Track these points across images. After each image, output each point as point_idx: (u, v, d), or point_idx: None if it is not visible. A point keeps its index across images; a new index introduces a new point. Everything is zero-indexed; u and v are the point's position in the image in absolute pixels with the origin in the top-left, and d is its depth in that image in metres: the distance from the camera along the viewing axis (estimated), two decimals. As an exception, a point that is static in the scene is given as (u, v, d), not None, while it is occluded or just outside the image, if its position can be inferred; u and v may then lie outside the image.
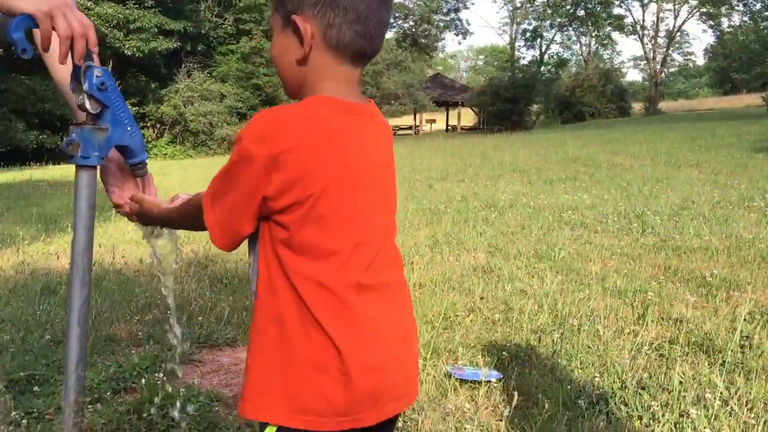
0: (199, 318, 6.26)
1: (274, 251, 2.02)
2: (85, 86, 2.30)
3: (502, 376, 4.85)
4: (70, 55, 2.27)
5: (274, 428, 2.03)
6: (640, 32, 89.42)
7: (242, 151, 1.92)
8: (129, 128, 2.43)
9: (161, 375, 4.88)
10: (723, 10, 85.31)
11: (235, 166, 1.96)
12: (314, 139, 1.94)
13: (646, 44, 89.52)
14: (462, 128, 73.53)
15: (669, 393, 4.43)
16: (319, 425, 2.00)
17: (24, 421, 4.23)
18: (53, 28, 2.22)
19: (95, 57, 2.34)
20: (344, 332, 1.99)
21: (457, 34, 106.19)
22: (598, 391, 4.52)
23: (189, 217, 2.32)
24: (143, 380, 4.80)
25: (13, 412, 4.31)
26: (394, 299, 2.18)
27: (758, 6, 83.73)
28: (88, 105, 2.32)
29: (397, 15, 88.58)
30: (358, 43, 2.05)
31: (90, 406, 4.45)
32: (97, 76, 2.30)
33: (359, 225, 2.06)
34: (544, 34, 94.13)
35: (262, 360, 2.07)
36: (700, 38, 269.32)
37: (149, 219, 2.58)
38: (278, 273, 2.02)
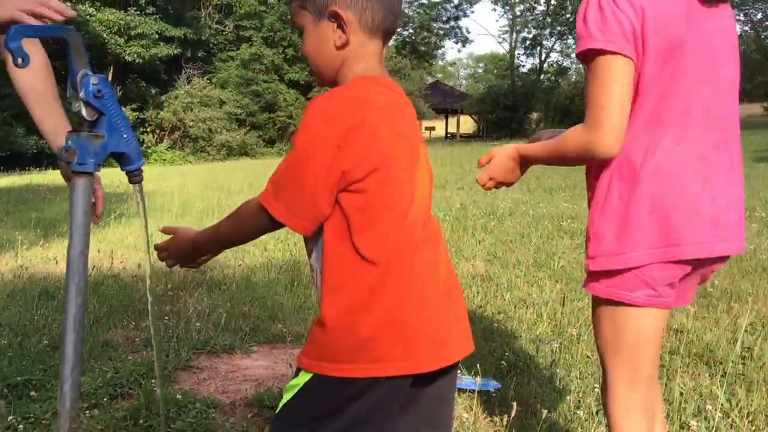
0: (197, 324, 6.24)
1: (346, 225, 2.21)
2: (82, 94, 2.30)
3: (500, 385, 4.84)
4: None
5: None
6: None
7: (313, 134, 2.15)
8: (125, 135, 2.42)
9: (158, 381, 4.87)
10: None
11: (306, 150, 2.16)
12: (373, 114, 2.19)
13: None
14: (461, 136, 73.59)
15: (670, 404, 4.41)
16: (383, 371, 2.21)
17: (21, 426, 4.23)
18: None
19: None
20: (404, 287, 2.25)
21: (456, 42, 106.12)
22: (597, 402, 4.49)
23: (243, 225, 2.40)
24: (140, 386, 4.79)
25: (10, 417, 4.29)
26: (438, 254, 2.44)
27: (759, 15, 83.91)
28: (84, 112, 2.32)
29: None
30: (388, 21, 2.34)
31: (87, 411, 4.44)
32: (93, 84, 2.30)
33: (411, 186, 2.34)
34: (544, 42, 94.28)
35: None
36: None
37: (187, 248, 2.59)
38: (348, 243, 2.21)
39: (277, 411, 2.37)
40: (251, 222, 2.33)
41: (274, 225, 2.26)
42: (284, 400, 2.34)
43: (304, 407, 2.30)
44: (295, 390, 2.30)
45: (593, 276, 2.81)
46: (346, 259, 2.22)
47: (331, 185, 2.16)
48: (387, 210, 2.24)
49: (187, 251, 2.58)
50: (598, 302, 2.85)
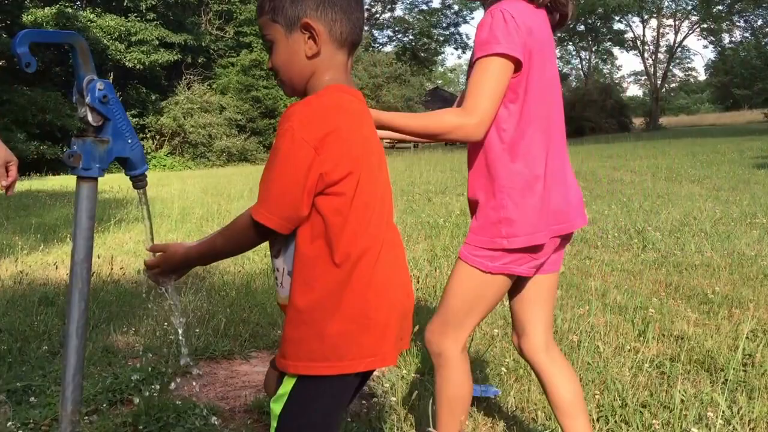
0: (197, 330, 6.24)
1: (321, 226, 2.31)
2: (88, 99, 2.32)
3: (500, 392, 4.83)
4: None
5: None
6: (641, 47, 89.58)
7: (293, 139, 2.23)
8: (130, 140, 2.44)
9: (157, 387, 4.87)
10: (724, 26, 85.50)
11: (287, 154, 2.24)
12: (346, 121, 2.33)
13: (647, 59, 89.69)
14: (461, 142, 73.61)
15: (670, 411, 4.40)
16: (354, 367, 2.37)
17: (20, 431, 4.22)
18: None
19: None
20: (373, 285, 2.38)
21: (456, 48, 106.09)
22: (598, 409, 4.49)
23: (238, 237, 2.43)
24: (140, 392, 4.78)
25: (10, 423, 4.29)
26: (400, 254, 2.57)
27: (759, 22, 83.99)
28: (90, 117, 2.34)
29: (396, 29, 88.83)
30: (354, 34, 2.47)
31: (86, 417, 4.44)
32: (99, 89, 2.33)
33: (380, 188, 2.46)
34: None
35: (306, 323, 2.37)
36: (701, 54, 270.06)
37: (178, 264, 2.59)
38: (321, 244, 2.32)
39: (276, 424, 2.42)
40: (244, 233, 2.38)
41: (262, 232, 2.34)
42: (276, 412, 2.42)
43: (300, 412, 2.39)
44: (284, 399, 2.40)
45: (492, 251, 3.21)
46: (318, 260, 2.33)
47: (310, 187, 2.25)
48: (360, 211, 2.34)
49: (178, 267, 2.59)
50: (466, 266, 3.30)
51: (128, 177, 2.56)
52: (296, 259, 2.35)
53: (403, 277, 2.56)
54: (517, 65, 3.03)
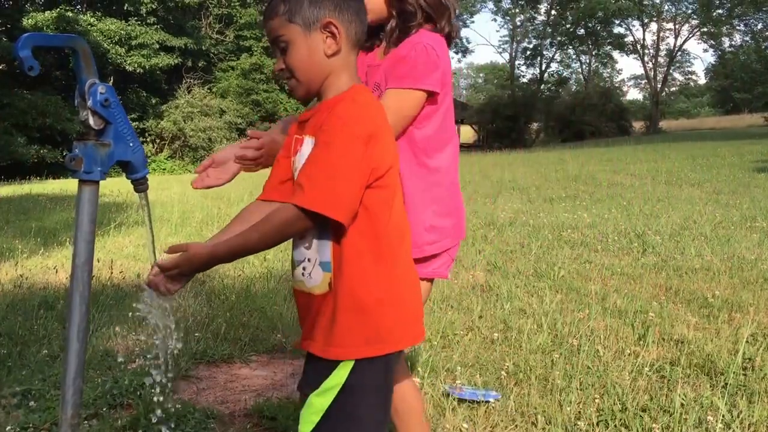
0: (196, 334, 6.23)
1: (367, 219, 2.42)
2: (90, 103, 2.33)
3: (500, 396, 4.83)
4: None
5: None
6: (641, 51, 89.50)
7: (351, 134, 2.33)
8: (131, 144, 2.45)
9: (157, 391, 4.86)
10: (724, 29, 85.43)
11: (346, 147, 2.32)
12: (384, 117, 2.49)
13: (647, 63, 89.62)
14: (462, 145, 73.57)
15: (670, 415, 4.40)
16: (401, 345, 2.58)
17: (19, 436, 4.22)
18: None
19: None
20: (405, 272, 2.59)
21: (456, 52, 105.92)
22: (598, 413, 4.49)
23: (282, 229, 2.39)
24: (139, 396, 4.78)
25: (9, 427, 4.28)
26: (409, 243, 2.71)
27: (759, 26, 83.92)
28: (91, 121, 2.34)
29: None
30: (364, 35, 2.58)
31: (86, 421, 4.44)
32: (101, 93, 2.34)
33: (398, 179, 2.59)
34: (544, 52, 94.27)
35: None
36: (701, 58, 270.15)
37: (201, 264, 2.48)
38: (366, 235, 2.44)
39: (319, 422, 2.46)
40: (290, 226, 2.37)
41: (309, 224, 2.37)
42: (323, 406, 2.45)
43: (360, 397, 2.47)
44: (336, 391, 2.44)
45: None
46: (367, 252, 2.43)
47: (364, 180, 2.35)
48: (396, 202, 2.52)
49: (201, 268, 2.51)
50: None
51: (129, 180, 2.56)
52: (344, 252, 2.42)
53: (414, 266, 2.72)
54: (434, 95, 3.17)
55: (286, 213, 2.34)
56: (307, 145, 2.45)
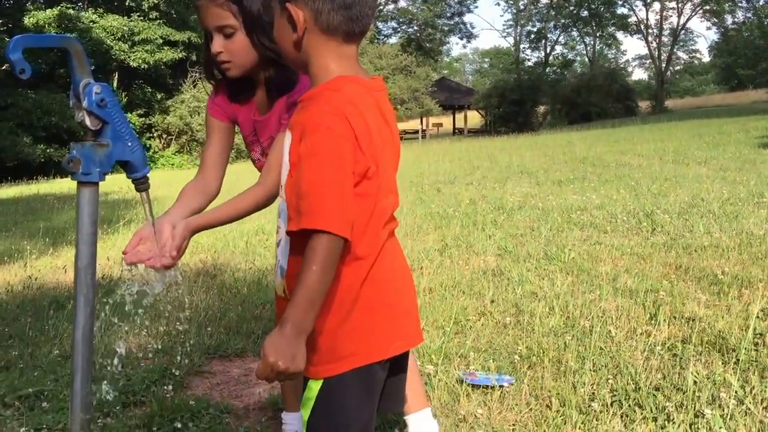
0: (209, 328, 6.24)
1: None
2: (85, 103, 2.31)
3: (514, 380, 4.83)
4: None
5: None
6: (645, 31, 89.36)
7: (335, 137, 2.17)
8: (130, 143, 2.43)
9: (170, 388, 4.87)
10: (726, 6, 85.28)
11: (331, 152, 2.16)
12: (366, 115, 2.28)
13: (651, 43, 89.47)
14: (469, 131, 73.56)
15: (683, 393, 4.39)
16: (380, 355, 2.42)
17: (33, 437, 4.23)
18: None
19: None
20: (390, 275, 2.45)
21: (461, 38, 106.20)
22: (612, 394, 4.48)
23: (325, 264, 2.15)
24: (153, 393, 4.79)
25: (22, 429, 4.29)
26: (397, 242, 2.61)
27: (762, 2, 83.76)
28: (88, 122, 2.33)
29: (401, 20, 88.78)
30: (346, 26, 2.34)
31: (99, 420, 4.44)
32: (96, 93, 2.31)
33: (392, 182, 2.46)
34: (549, 35, 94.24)
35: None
36: (704, 35, 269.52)
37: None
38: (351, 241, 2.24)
39: (306, 430, 2.41)
40: (321, 260, 2.12)
41: (333, 246, 2.13)
42: (304, 418, 2.40)
43: (331, 413, 2.38)
44: (311, 404, 2.38)
45: None
46: (343, 256, 2.24)
47: (352, 185, 2.19)
48: (378, 206, 2.35)
49: (291, 347, 2.23)
50: None
51: (130, 180, 2.55)
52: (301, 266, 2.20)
53: (405, 261, 2.63)
54: None
55: (316, 246, 2.11)
56: (288, 140, 2.34)
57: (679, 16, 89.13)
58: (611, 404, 4.35)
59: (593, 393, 4.54)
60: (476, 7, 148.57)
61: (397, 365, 2.56)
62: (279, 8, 2.39)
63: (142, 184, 2.54)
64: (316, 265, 2.12)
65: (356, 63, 2.44)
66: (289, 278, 2.36)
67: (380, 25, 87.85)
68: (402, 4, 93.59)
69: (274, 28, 2.46)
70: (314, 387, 2.35)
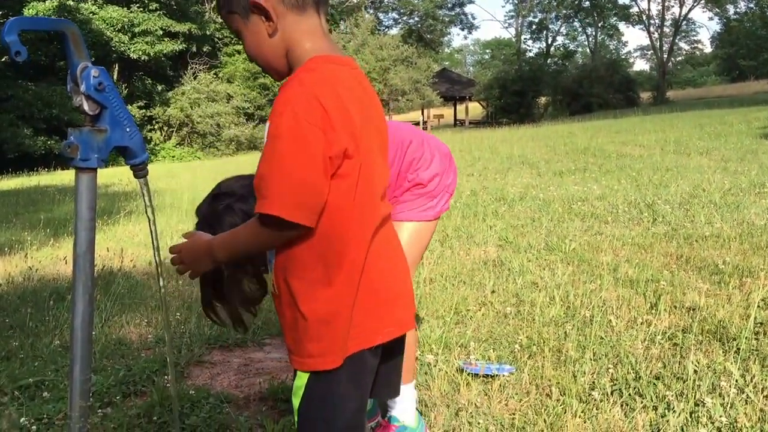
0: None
1: (331, 209, 2.20)
2: (83, 87, 2.28)
3: (514, 369, 4.83)
4: None
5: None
6: (646, 21, 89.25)
7: (298, 121, 2.10)
8: (128, 129, 2.40)
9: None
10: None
11: (296, 138, 2.10)
12: (344, 94, 2.21)
13: (653, 33, 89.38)
14: (470, 122, 73.44)
15: (683, 382, 4.39)
16: (368, 342, 2.37)
17: (34, 427, 4.23)
18: None
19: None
20: (379, 260, 2.37)
21: (462, 29, 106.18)
22: (612, 383, 4.48)
23: (255, 235, 2.26)
24: (153, 383, 4.79)
25: (23, 419, 4.29)
26: (389, 225, 2.53)
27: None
28: (86, 106, 2.30)
29: (402, 11, 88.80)
30: None
31: (100, 410, 4.44)
32: (94, 77, 2.28)
33: (379, 165, 2.40)
34: (550, 26, 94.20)
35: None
36: (706, 26, 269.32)
37: (200, 252, 2.46)
38: (330, 226, 2.22)
39: (297, 418, 2.40)
40: (259, 234, 2.22)
41: (284, 228, 2.16)
42: (295, 406, 2.40)
43: (320, 404, 2.36)
44: (301, 393, 2.37)
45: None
46: (311, 259, 2.25)
47: (326, 168, 2.14)
48: (365, 190, 2.28)
49: (200, 255, 2.45)
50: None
51: (129, 166, 2.53)
52: (287, 260, 2.28)
53: (398, 247, 2.58)
54: None
55: (252, 224, 2.24)
56: (266, 127, 2.28)
57: (680, 7, 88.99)
58: (611, 393, 4.35)
59: (593, 382, 4.54)
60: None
61: (391, 351, 2.54)
62: (240, 18, 2.36)
63: (140, 170, 2.51)
64: (256, 237, 2.25)
65: (330, 39, 2.40)
66: (276, 272, 2.34)
67: (381, 16, 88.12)
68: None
69: (244, 42, 2.42)
70: (303, 375, 2.34)
